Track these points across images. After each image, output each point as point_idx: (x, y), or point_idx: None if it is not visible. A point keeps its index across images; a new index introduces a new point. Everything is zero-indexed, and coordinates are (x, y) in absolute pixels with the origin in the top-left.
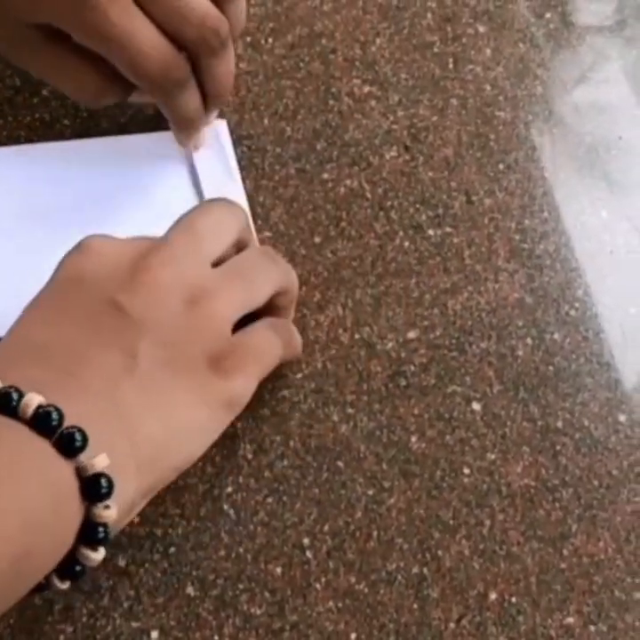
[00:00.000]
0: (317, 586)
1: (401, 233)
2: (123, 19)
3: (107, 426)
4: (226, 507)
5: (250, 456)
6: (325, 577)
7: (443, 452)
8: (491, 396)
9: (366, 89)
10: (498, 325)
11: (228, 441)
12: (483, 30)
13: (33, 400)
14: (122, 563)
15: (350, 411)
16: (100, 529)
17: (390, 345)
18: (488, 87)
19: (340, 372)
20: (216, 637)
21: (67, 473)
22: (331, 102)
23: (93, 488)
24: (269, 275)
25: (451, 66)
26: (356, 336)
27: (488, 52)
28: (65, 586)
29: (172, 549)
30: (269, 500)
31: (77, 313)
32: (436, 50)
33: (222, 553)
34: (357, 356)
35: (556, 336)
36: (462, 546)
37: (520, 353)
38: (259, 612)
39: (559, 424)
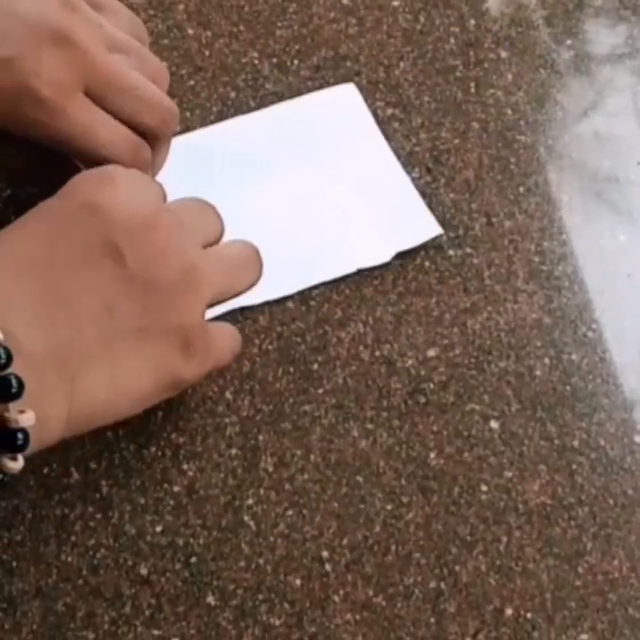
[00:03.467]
0: (336, 598)
1: (422, 253)
2: (82, 114)
3: (53, 374)
4: (246, 518)
5: (271, 469)
6: (344, 589)
7: (461, 468)
8: (509, 414)
9: (390, 111)
10: (516, 345)
11: (249, 454)
12: (504, 55)
13: None
14: (143, 571)
15: (370, 426)
16: (20, 435)
17: (410, 362)
18: (509, 111)
19: (361, 388)
20: None
21: None
22: None
23: (9, 441)
24: (250, 276)
25: (473, 90)
26: (377, 353)
27: (509, 76)
28: None
29: (193, 559)
30: (289, 512)
31: (77, 241)
32: (458, 74)
33: (242, 564)
34: (377, 373)
35: (573, 357)
36: (479, 562)
37: (538, 373)
38: (277, 622)
39: (576, 443)
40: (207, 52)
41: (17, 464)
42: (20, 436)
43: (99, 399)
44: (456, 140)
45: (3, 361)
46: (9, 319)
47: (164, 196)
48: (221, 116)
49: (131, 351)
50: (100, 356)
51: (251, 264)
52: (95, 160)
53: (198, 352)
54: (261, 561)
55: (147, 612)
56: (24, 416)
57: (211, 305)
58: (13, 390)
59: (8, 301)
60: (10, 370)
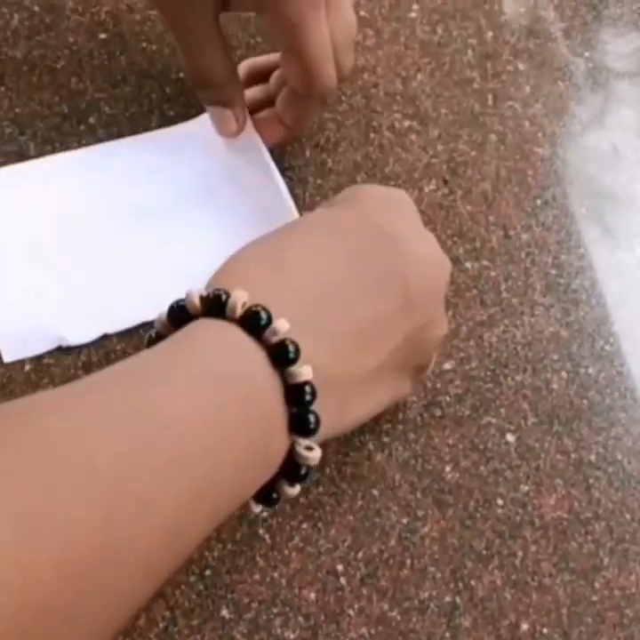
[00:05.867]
0: (350, 612)
1: None
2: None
3: (332, 402)
4: (262, 531)
5: None
6: (358, 603)
7: (476, 482)
8: (525, 428)
9: (407, 123)
10: (533, 358)
11: None
12: (522, 68)
13: (283, 326)
14: None
15: (385, 439)
16: (303, 469)
17: (426, 375)
18: (527, 123)
19: None
20: None
21: (280, 407)
22: (371, 135)
23: (292, 470)
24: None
25: (490, 102)
26: None
27: (527, 89)
28: (258, 509)
29: (208, 572)
30: (304, 525)
31: (375, 266)
32: (476, 86)
33: (257, 577)
34: None
35: (590, 370)
36: (495, 576)
37: (555, 386)
38: (292, 636)
39: (592, 457)
40: None
41: (294, 490)
42: (303, 469)
43: (354, 421)
44: (473, 153)
45: (308, 399)
46: (304, 337)
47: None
48: None
49: (384, 384)
50: (365, 389)
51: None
52: (298, 66)
53: (419, 379)
54: (276, 574)
55: (161, 625)
56: (312, 454)
57: None
58: (311, 426)
59: (300, 318)
60: (316, 402)
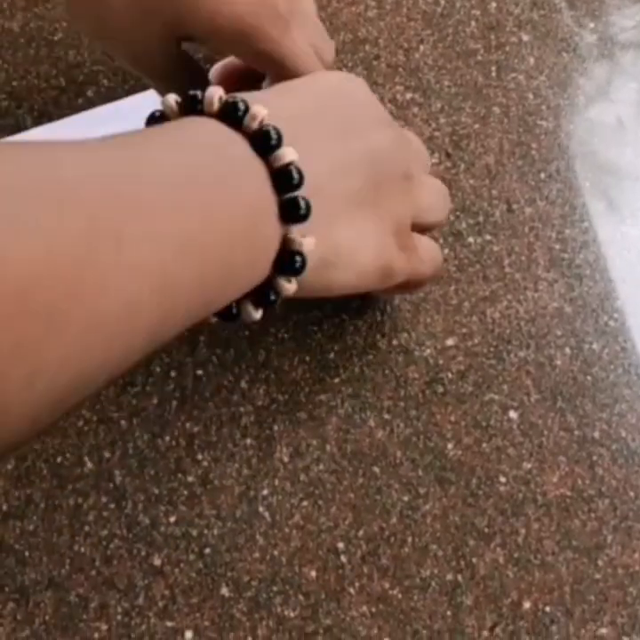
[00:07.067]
0: (351, 590)
1: (441, 240)
2: (299, 38)
3: (320, 208)
4: (261, 509)
5: (286, 459)
6: (359, 582)
7: (479, 459)
8: (528, 404)
9: (409, 96)
10: (536, 334)
11: (264, 443)
12: (526, 39)
13: (286, 155)
14: (157, 562)
15: (387, 416)
16: (298, 258)
17: (428, 351)
18: (530, 96)
19: (378, 378)
20: (249, 639)
21: (277, 236)
22: None
23: (289, 263)
24: (445, 211)
25: (494, 74)
26: (394, 342)
27: (531, 60)
28: (258, 315)
29: (208, 550)
30: (305, 503)
31: (351, 106)
32: (479, 58)
33: (257, 555)
34: (395, 362)
35: (594, 346)
36: (497, 554)
37: (558, 362)
38: (292, 614)
39: (596, 434)
40: None
41: (292, 286)
42: (298, 259)
43: (342, 249)
44: (476, 125)
45: (295, 182)
46: (298, 146)
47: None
48: None
49: (364, 218)
50: (347, 211)
51: (447, 201)
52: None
53: (407, 246)
54: (276, 552)
55: (160, 604)
56: (306, 240)
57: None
58: (302, 212)
59: (294, 129)
60: (300, 192)
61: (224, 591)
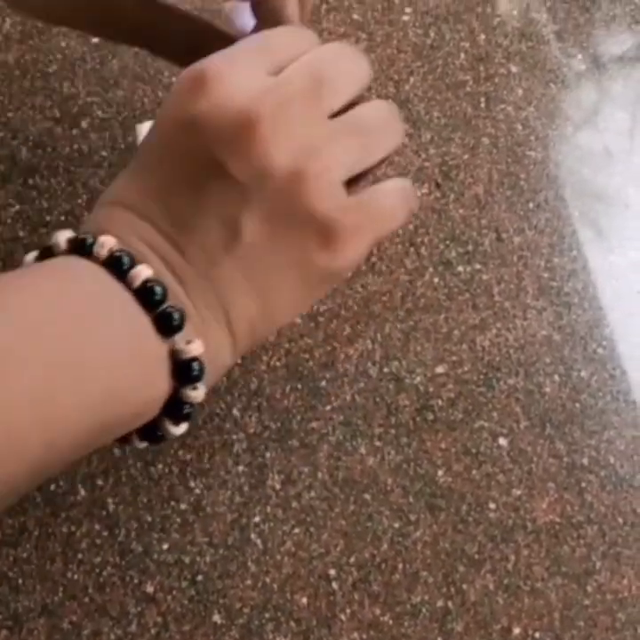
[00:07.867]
0: (342, 617)
1: (431, 269)
2: None
3: (205, 305)
4: (253, 536)
5: (278, 486)
6: (350, 608)
7: (469, 486)
8: (517, 431)
9: None
10: (526, 362)
11: (256, 471)
12: (515, 70)
13: (141, 273)
14: (150, 589)
15: (378, 444)
16: (194, 365)
17: (418, 379)
18: (519, 126)
19: (369, 405)
20: None
21: (162, 352)
22: None
23: (185, 372)
24: (389, 140)
25: (483, 105)
26: (385, 369)
27: (520, 91)
28: (180, 430)
29: (200, 577)
30: (296, 530)
31: (182, 166)
32: (468, 89)
33: (249, 582)
34: (386, 390)
35: (583, 374)
36: (487, 580)
37: (547, 390)
38: None
39: (585, 461)
40: None
41: (199, 393)
42: (194, 365)
43: (253, 320)
44: (466, 156)
45: (159, 297)
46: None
47: (269, 78)
48: None
49: (268, 261)
50: (241, 279)
51: (389, 126)
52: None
53: (346, 237)
54: (268, 579)
55: (153, 631)
56: (192, 346)
57: (350, 178)
58: (175, 322)
59: (147, 253)
60: (168, 303)
61: (216, 618)
